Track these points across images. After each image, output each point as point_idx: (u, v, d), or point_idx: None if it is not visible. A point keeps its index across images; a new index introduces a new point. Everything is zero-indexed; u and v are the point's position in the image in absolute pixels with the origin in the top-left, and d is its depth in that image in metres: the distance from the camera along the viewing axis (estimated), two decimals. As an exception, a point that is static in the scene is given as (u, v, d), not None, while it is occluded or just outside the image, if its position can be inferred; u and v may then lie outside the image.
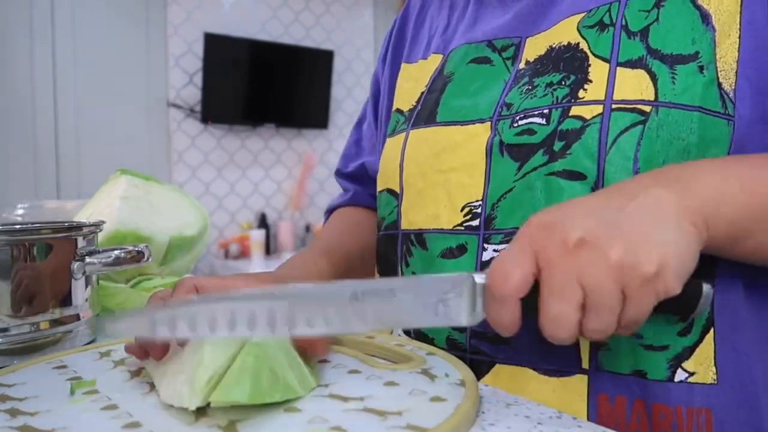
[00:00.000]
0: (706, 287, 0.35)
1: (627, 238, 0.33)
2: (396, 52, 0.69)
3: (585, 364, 0.43)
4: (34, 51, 2.60)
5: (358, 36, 3.54)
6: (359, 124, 0.77)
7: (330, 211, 0.78)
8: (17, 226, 0.55)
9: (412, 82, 0.62)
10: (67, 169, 2.71)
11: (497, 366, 0.47)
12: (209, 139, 3.10)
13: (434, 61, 0.60)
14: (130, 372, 0.44)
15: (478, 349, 0.48)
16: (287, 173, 3.35)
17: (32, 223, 0.57)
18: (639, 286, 0.32)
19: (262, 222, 3.19)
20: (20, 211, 1.06)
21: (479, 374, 0.47)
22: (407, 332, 0.55)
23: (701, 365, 0.41)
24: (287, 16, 3.29)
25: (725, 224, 0.37)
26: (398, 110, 0.62)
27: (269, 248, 3.19)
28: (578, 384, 0.43)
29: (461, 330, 0.49)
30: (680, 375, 0.41)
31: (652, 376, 0.42)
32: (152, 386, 0.41)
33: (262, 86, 3.12)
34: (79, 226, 0.57)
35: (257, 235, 3.08)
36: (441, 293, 0.35)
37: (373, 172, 0.68)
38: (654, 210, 0.35)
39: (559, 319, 0.32)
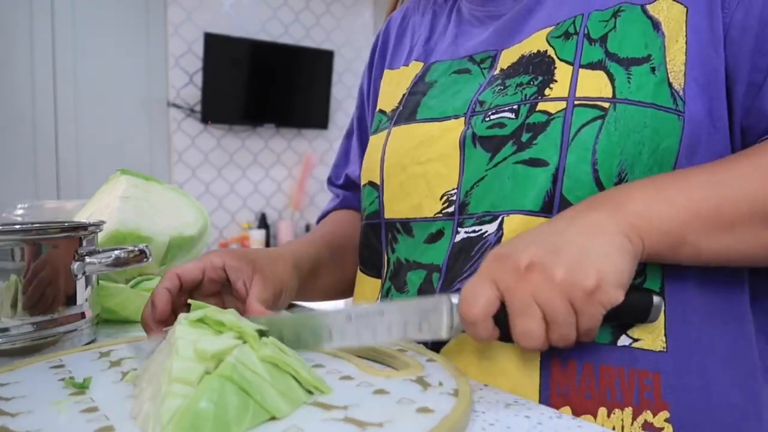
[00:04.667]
0: (656, 299, 0.42)
1: (567, 259, 0.38)
2: (380, 62, 0.75)
3: None
4: (34, 51, 2.60)
5: (358, 36, 3.54)
6: (349, 136, 0.82)
7: (323, 217, 0.83)
8: (17, 226, 0.55)
9: (393, 86, 0.67)
10: (67, 169, 2.71)
11: (463, 334, 0.49)
12: (209, 139, 3.09)
13: (415, 67, 0.66)
14: (123, 373, 0.44)
15: None
16: (287, 173, 3.35)
17: (35, 223, 0.57)
18: (583, 299, 0.38)
19: (262, 222, 3.19)
20: (20, 211, 1.06)
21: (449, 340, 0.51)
22: None
23: (650, 334, 0.45)
24: (287, 16, 3.28)
25: (658, 234, 0.41)
26: (381, 111, 0.67)
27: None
28: (532, 351, 0.46)
29: None
30: (624, 340, 0.45)
31: (599, 340, 0.45)
32: None
33: (262, 86, 3.12)
34: (83, 226, 0.57)
35: (257, 235, 3.08)
36: (424, 313, 0.41)
37: (358, 180, 0.73)
38: (590, 231, 0.40)
39: (526, 334, 0.38)
